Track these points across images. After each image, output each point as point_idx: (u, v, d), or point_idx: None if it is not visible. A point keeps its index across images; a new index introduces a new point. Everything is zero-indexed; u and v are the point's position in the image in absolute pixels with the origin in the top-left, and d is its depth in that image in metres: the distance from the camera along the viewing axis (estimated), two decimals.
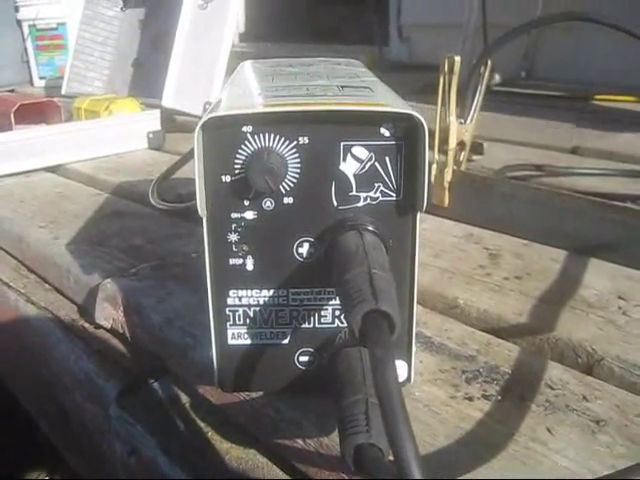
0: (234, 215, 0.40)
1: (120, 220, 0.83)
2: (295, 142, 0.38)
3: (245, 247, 0.40)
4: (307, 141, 0.38)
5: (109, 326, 0.62)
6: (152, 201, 0.84)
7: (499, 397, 0.44)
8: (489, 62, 0.77)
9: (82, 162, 1.13)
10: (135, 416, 0.54)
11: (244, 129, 0.38)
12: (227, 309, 0.42)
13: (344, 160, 0.39)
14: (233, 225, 0.40)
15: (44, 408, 0.77)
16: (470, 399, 0.44)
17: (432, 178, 0.75)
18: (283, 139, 0.38)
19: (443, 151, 0.75)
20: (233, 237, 0.40)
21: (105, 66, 1.52)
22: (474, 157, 0.94)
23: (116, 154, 1.17)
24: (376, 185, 0.39)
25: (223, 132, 0.38)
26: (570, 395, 0.44)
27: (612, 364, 0.48)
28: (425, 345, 0.50)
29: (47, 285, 0.75)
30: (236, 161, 0.38)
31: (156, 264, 0.66)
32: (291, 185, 0.39)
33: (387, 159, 0.39)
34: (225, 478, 0.46)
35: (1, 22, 2.04)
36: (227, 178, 0.39)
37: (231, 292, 0.41)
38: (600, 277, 0.61)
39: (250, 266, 0.41)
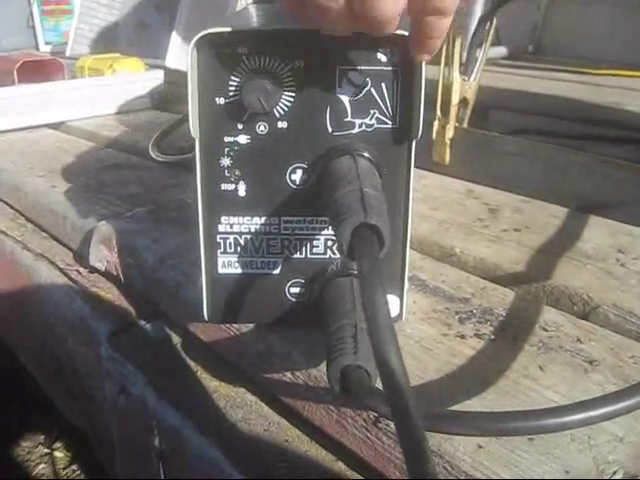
0: (227, 139, 0.39)
1: (119, 171, 0.82)
2: (290, 65, 0.37)
3: (237, 172, 0.40)
4: (302, 64, 0.38)
5: (103, 269, 0.62)
6: (152, 154, 0.83)
7: (492, 337, 0.44)
8: (494, 19, 0.76)
9: (85, 120, 1.12)
10: (125, 355, 0.53)
11: (239, 50, 0.37)
12: (218, 236, 0.41)
13: (340, 85, 0.38)
14: (226, 149, 0.39)
15: (39, 358, 0.77)
16: (462, 337, 0.43)
17: (434, 135, 0.74)
18: (278, 61, 0.37)
19: (445, 109, 0.74)
20: (226, 161, 0.39)
21: (110, 28, 1.51)
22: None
23: (119, 113, 1.16)
24: (371, 112, 0.38)
25: (218, 52, 0.37)
26: (564, 337, 0.44)
27: (608, 311, 0.47)
28: (419, 287, 0.50)
29: (44, 233, 0.75)
30: (231, 83, 0.38)
31: (152, 208, 0.65)
32: (285, 109, 0.38)
33: (383, 85, 0.38)
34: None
35: None
36: (221, 100, 0.38)
37: (222, 218, 0.41)
38: (600, 232, 0.60)
39: (242, 192, 0.40)
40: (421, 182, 0.71)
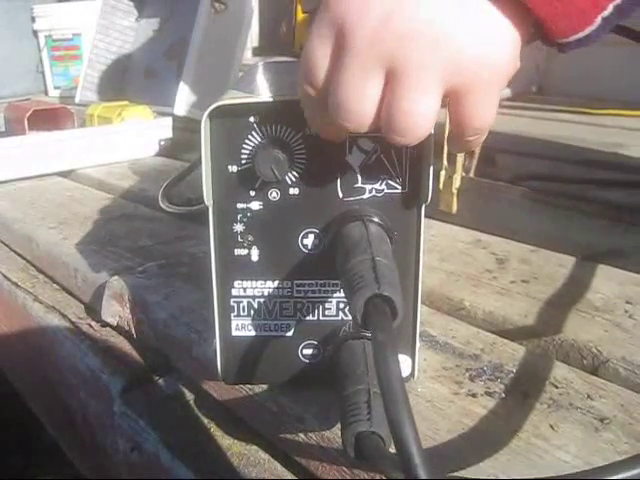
0: (240, 205, 0.40)
1: (129, 222, 0.83)
2: (301, 133, 0.38)
3: (250, 237, 0.40)
4: (313, 132, 0.38)
5: (115, 323, 0.62)
6: (162, 205, 0.84)
7: (503, 394, 0.44)
8: None
9: (94, 168, 1.14)
10: (138, 411, 0.54)
11: (251, 119, 0.38)
12: (232, 300, 0.42)
13: (350, 152, 0.39)
14: (239, 215, 0.40)
15: (50, 408, 0.78)
16: (473, 396, 0.44)
17: (441, 185, 0.75)
18: (289, 129, 0.38)
19: (452, 158, 0.75)
20: (239, 227, 0.40)
21: (119, 75, 1.53)
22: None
23: (127, 160, 1.18)
24: (381, 177, 0.39)
25: (230, 121, 0.38)
26: (574, 394, 0.44)
27: (617, 365, 0.48)
28: (429, 344, 0.50)
29: (55, 285, 0.76)
30: (243, 151, 0.39)
31: (163, 263, 0.66)
32: (297, 176, 0.39)
33: (392, 151, 0.39)
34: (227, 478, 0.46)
35: (18, 32, 2.06)
36: (234, 168, 0.39)
37: (236, 283, 0.41)
38: (608, 282, 0.60)
39: (255, 257, 0.41)
40: (429, 232, 0.72)
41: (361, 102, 0.32)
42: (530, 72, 1.74)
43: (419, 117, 0.31)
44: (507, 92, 1.62)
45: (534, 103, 1.60)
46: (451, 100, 0.33)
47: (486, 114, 0.33)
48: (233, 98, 0.38)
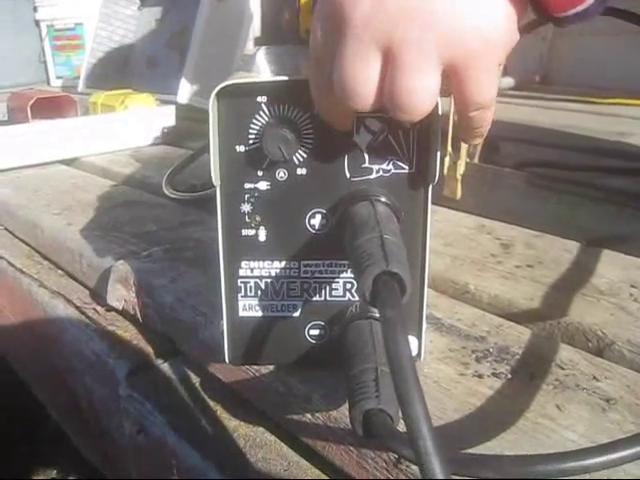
0: (247, 185, 0.40)
1: (133, 208, 0.83)
2: (309, 113, 0.38)
3: (258, 218, 0.40)
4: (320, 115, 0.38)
5: (121, 307, 0.63)
6: (165, 191, 0.84)
7: (509, 375, 0.44)
8: None
9: (97, 155, 1.14)
10: (144, 395, 0.54)
11: (259, 99, 0.38)
12: (239, 280, 0.42)
13: (357, 132, 0.39)
14: (246, 195, 0.40)
15: (55, 394, 0.78)
16: (480, 376, 0.44)
17: (445, 171, 0.75)
18: (297, 109, 0.38)
19: (456, 145, 0.75)
20: (246, 207, 0.40)
21: (121, 63, 1.53)
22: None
23: (131, 148, 1.18)
24: (389, 157, 0.39)
25: (238, 101, 0.38)
26: (580, 375, 0.44)
27: (622, 347, 0.48)
28: (435, 326, 0.50)
29: (60, 271, 0.76)
30: (250, 131, 0.39)
31: (168, 247, 0.66)
32: (304, 156, 0.39)
33: (400, 131, 0.39)
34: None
35: (20, 23, 2.06)
36: (241, 148, 0.39)
37: (243, 263, 0.41)
38: (613, 267, 0.60)
39: (262, 237, 0.41)
40: (433, 217, 0.71)
41: (363, 83, 0.32)
42: (534, 61, 1.74)
43: (420, 93, 0.32)
44: (511, 82, 1.62)
45: (538, 92, 1.59)
46: (451, 77, 0.33)
47: (487, 88, 0.33)
48: (241, 78, 0.38)
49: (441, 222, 0.72)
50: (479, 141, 0.39)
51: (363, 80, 0.32)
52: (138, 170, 1.03)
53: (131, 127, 1.18)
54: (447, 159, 0.75)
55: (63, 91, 1.75)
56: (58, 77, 2.06)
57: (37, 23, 2.05)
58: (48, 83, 2.08)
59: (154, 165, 1.05)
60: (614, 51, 1.56)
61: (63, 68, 2.05)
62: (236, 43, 1.38)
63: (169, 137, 1.21)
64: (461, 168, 0.74)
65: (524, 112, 1.36)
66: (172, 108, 1.23)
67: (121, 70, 1.52)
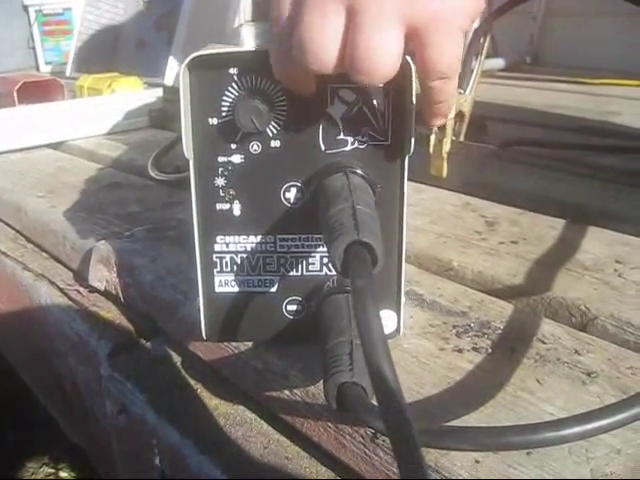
0: (221, 159, 0.39)
1: (118, 190, 0.82)
2: (281, 84, 0.38)
3: (232, 192, 0.40)
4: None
5: (103, 288, 0.62)
6: (151, 173, 0.84)
7: (489, 350, 0.44)
8: (490, 31, 0.76)
9: (84, 139, 1.13)
10: (125, 374, 0.54)
11: (231, 70, 0.38)
12: (214, 255, 0.41)
13: (331, 103, 0.38)
14: (220, 169, 0.39)
15: (41, 377, 0.77)
16: (460, 351, 0.44)
17: (431, 148, 0.74)
18: (269, 81, 0.38)
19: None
20: (220, 181, 0.40)
21: (109, 47, 1.51)
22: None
23: (118, 132, 1.17)
24: (364, 129, 0.39)
25: (209, 73, 0.38)
26: (562, 349, 0.44)
27: (606, 322, 0.47)
28: (416, 302, 0.50)
29: (44, 253, 0.75)
30: (223, 103, 0.38)
31: (151, 227, 0.66)
32: (278, 128, 0.39)
33: (375, 102, 0.38)
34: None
35: (8, 8, 2.04)
36: (214, 120, 0.39)
37: (218, 238, 0.41)
38: (597, 242, 0.60)
39: (237, 211, 0.40)
40: (419, 196, 0.72)
41: (322, 40, 0.32)
42: (524, 43, 1.73)
43: (380, 53, 0.31)
44: (501, 63, 1.61)
45: (529, 73, 1.59)
46: (414, 42, 0.32)
47: (448, 54, 0.33)
48: (212, 49, 0.38)
49: (426, 200, 0.72)
50: (442, 121, 0.38)
51: (322, 36, 0.32)
52: (124, 153, 1.03)
53: (118, 110, 1.17)
54: (432, 137, 0.74)
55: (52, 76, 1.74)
56: (47, 63, 2.04)
57: (25, 8, 2.04)
58: (37, 69, 2.07)
59: (141, 148, 1.04)
60: (604, 32, 1.55)
61: (52, 53, 2.03)
62: (224, 23, 1.37)
63: (156, 120, 1.20)
64: (446, 146, 0.73)
65: (514, 93, 1.35)
66: (159, 91, 1.23)
67: (109, 53, 1.51)
